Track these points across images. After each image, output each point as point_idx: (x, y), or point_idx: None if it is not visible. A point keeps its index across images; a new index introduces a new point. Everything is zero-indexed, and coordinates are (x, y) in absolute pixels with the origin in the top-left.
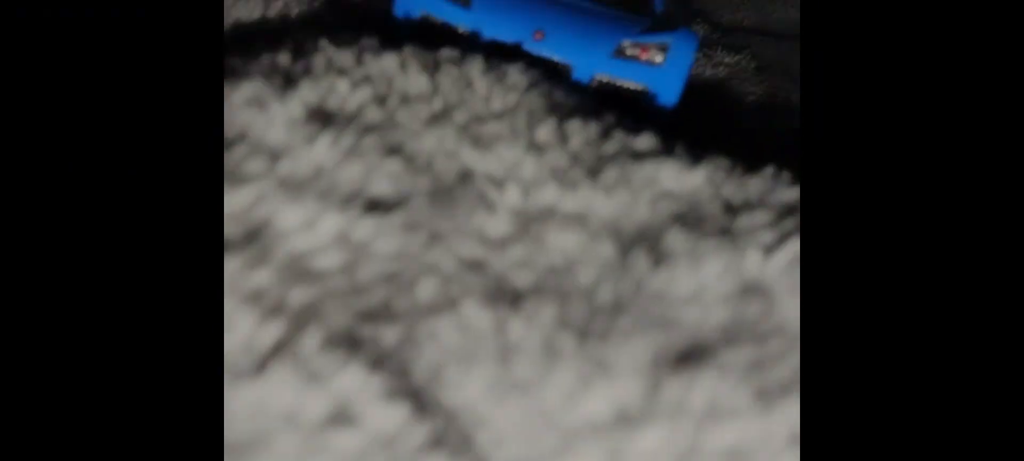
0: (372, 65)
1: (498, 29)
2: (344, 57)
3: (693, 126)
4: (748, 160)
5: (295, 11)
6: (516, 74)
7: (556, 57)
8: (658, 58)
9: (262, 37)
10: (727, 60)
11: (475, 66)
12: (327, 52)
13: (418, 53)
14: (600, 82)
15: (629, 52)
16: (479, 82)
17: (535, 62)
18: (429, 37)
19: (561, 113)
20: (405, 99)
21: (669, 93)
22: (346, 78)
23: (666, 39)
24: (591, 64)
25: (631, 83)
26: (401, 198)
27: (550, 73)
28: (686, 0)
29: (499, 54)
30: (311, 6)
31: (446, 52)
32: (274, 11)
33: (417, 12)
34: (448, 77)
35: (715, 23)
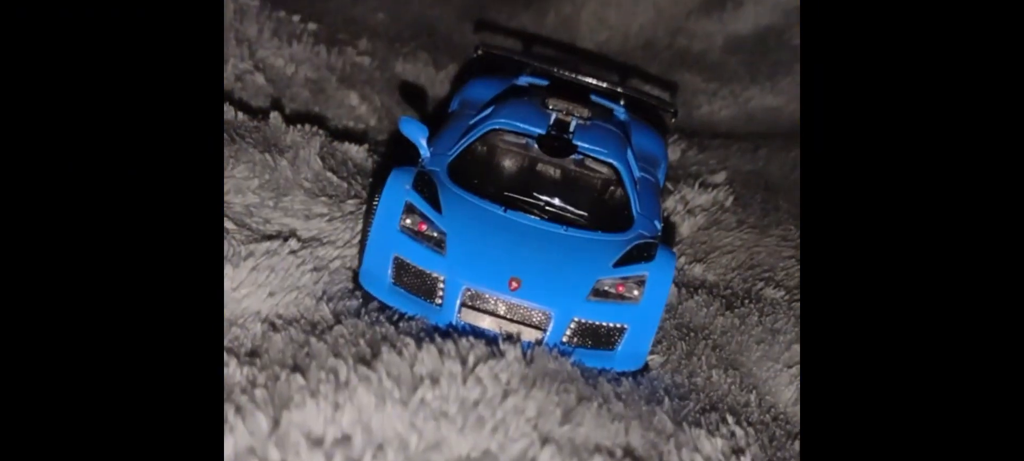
0: (348, 411)
1: (473, 276)
2: (320, 416)
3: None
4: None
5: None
6: (490, 382)
7: (534, 307)
8: (635, 292)
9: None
10: (702, 201)
11: (451, 388)
12: (304, 409)
13: (394, 367)
14: (579, 323)
15: (607, 289)
16: (452, 407)
17: (511, 337)
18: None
19: (536, 436)
20: (380, 449)
21: (646, 327)
22: (319, 451)
23: (643, 270)
24: (569, 309)
25: (611, 323)
26: None
27: (528, 361)
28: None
29: (474, 332)
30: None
31: (423, 361)
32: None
33: (388, 262)
34: (423, 413)
35: (691, 127)
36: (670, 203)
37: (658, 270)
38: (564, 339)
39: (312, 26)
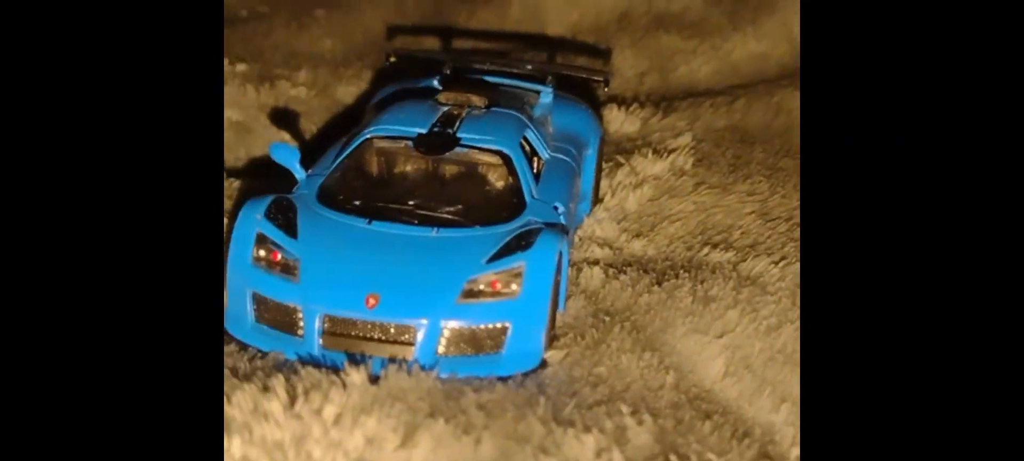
0: None
1: (327, 300)
2: None
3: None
4: None
5: None
6: (311, 418)
7: (397, 322)
8: (513, 287)
9: None
10: (656, 169)
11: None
12: None
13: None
14: (453, 330)
15: (480, 288)
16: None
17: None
18: None
19: None
20: None
21: (532, 322)
22: None
23: (519, 261)
24: (437, 317)
25: (490, 324)
26: None
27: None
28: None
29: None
30: None
31: (239, 404)
32: None
33: (247, 300)
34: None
35: (668, 92)
36: (620, 177)
37: (536, 258)
38: (441, 350)
39: (241, 67)
